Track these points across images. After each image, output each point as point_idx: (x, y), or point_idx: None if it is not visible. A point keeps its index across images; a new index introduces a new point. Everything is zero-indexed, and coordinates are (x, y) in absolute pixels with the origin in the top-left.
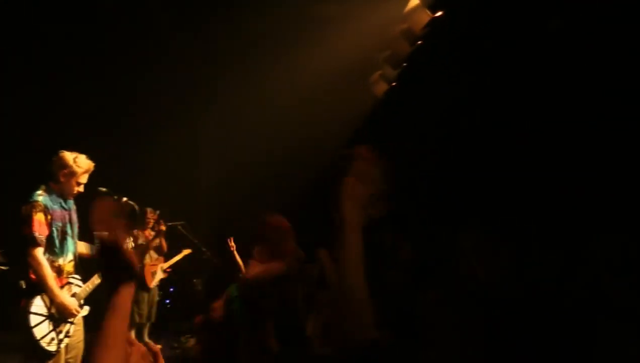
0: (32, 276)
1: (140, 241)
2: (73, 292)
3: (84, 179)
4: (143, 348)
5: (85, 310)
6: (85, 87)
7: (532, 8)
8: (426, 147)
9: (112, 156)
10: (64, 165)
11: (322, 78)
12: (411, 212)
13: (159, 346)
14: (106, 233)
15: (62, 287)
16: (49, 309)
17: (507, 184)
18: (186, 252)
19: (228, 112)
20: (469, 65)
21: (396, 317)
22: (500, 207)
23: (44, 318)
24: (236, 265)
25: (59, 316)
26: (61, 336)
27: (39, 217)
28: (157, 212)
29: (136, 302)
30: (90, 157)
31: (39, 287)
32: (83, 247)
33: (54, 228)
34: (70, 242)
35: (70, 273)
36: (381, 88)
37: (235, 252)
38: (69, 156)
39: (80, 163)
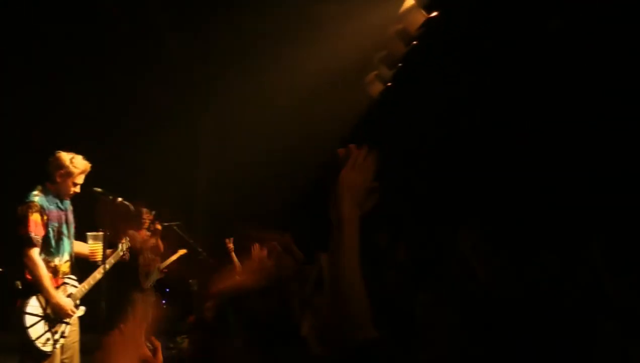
0: (28, 276)
1: (134, 241)
2: (69, 293)
3: (80, 179)
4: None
5: (81, 310)
6: (82, 87)
7: (527, 8)
8: (422, 147)
9: (107, 156)
10: (61, 165)
11: (319, 78)
12: (408, 212)
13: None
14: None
15: (58, 287)
16: (44, 310)
17: (505, 184)
18: (182, 252)
19: (224, 112)
20: (464, 65)
21: (394, 317)
22: (499, 206)
23: (39, 318)
24: (233, 266)
25: (54, 316)
26: (57, 336)
27: (35, 218)
28: (153, 212)
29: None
30: (87, 157)
31: (35, 288)
32: (79, 247)
33: (50, 229)
34: (66, 242)
35: (66, 274)
36: (377, 88)
37: (233, 254)
38: (65, 157)
39: (77, 163)
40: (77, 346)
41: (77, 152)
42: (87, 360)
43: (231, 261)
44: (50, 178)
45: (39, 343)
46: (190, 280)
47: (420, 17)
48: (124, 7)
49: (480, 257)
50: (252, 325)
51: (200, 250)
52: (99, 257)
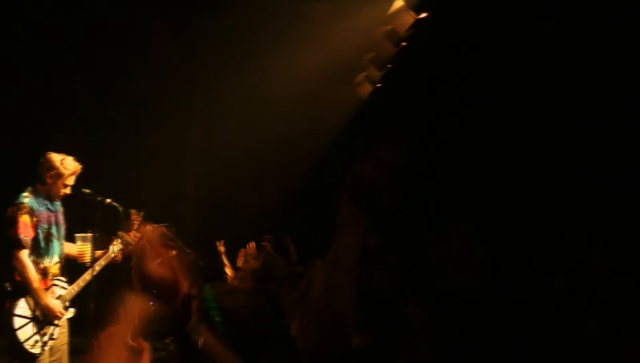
0: (17, 278)
1: (125, 243)
2: (58, 294)
3: (70, 180)
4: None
5: (71, 312)
6: (70, 87)
7: (518, 8)
8: (411, 148)
9: (95, 157)
10: (51, 167)
11: (308, 79)
12: (395, 213)
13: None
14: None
15: (47, 289)
16: (33, 311)
17: (496, 184)
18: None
19: (213, 113)
20: (453, 66)
21: (381, 319)
22: (490, 207)
23: (28, 320)
24: (222, 267)
25: (43, 318)
26: (45, 338)
27: (24, 219)
28: (142, 213)
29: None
30: (75, 158)
31: (24, 289)
32: (69, 249)
33: (39, 231)
34: (56, 244)
35: (56, 276)
36: (366, 89)
37: (224, 256)
38: (56, 158)
39: (67, 165)
40: (66, 348)
41: (67, 153)
42: (76, 362)
43: (221, 263)
44: (41, 179)
45: (27, 345)
46: None
47: (409, 18)
48: (112, 4)
49: (470, 256)
50: (239, 325)
51: (189, 251)
52: (88, 259)
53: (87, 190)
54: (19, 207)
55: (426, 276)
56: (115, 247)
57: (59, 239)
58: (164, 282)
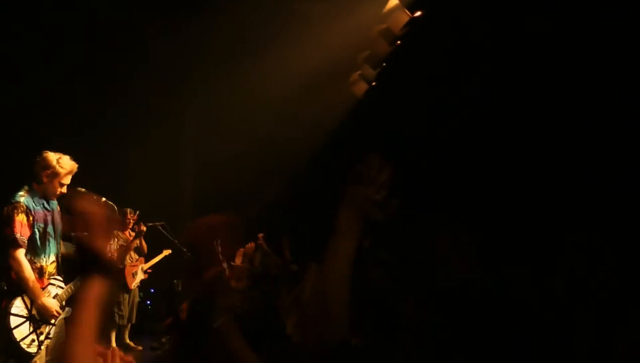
0: (14, 277)
1: (120, 242)
2: (55, 294)
3: (67, 179)
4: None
5: (67, 311)
6: (67, 88)
7: (512, 7)
8: (405, 147)
9: (91, 156)
10: (47, 165)
11: (303, 78)
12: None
13: (139, 347)
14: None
15: (43, 288)
16: (29, 310)
17: (490, 183)
18: (166, 252)
19: (209, 112)
20: (448, 65)
21: (377, 318)
22: (484, 207)
23: (24, 319)
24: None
25: (39, 317)
26: (42, 337)
27: (20, 218)
28: (137, 212)
29: (117, 303)
30: (71, 157)
31: (20, 288)
32: (66, 248)
33: (35, 230)
34: (52, 243)
35: (52, 275)
36: (361, 88)
37: (221, 256)
38: (52, 157)
39: (64, 164)
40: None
41: (63, 152)
42: None
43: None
44: (37, 178)
45: (23, 345)
46: (175, 281)
47: (404, 16)
48: (105, 5)
49: (462, 254)
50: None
51: (184, 250)
52: None
53: (82, 189)
54: (15, 206)
55: (424, 275)
56: (111, 247)
57: (55, 238)
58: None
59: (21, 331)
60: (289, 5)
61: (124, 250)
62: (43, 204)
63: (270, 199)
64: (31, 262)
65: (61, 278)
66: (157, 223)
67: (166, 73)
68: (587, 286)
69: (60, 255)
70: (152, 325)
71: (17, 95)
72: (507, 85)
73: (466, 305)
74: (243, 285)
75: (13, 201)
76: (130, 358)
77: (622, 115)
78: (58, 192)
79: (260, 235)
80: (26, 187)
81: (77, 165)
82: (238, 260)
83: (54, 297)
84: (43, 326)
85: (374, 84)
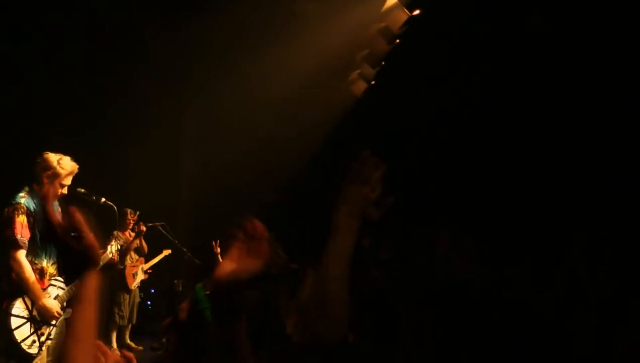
0: (14, 278)
1: (121, 242)
2: (55, 295)
3: (68, 180)
4: (117, 355)
5: (68, 312)
6: (67, 88)
7: (511, 6)
8: (405, 146)
9: (91, 156)
10: (48, 166)
11: (302, 77)
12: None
13: (140, 347)
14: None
15: (44, 289)
16: (30, 312)
17: (490, 183)
18: (166, 252)
19: (208, 112)
20: (447, 63)
21: (376, 318)
22: (484, 206)
23: (25, 320)
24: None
25: (40, 318)
26: (43, 338)
27: (21, 220)
28: (137, 213)
29: (117, 303)
30: (71, 158)
31: (21, 289)
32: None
33: (36, 231)
34: (53, 244)
35: (53, 276)
36: (360, 87)
37: (220, 257)
38: (53, 158)
39: (64, 165)
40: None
41: (63, 153)
42: None
43: (217, 263)
44: (37, 179)
45: (24, 345)
46: (175, 281)
47: (403, 15)
48: (104, 4)
49: (462, 254)
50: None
51: (185, 250)
52: None
53: (82, 190)
54: (15, 207)
55: (424, 275)
56: (112, 248)
57: None
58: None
59: (22, 332)
60: (288, 5)
61: (124, 250)
62: (44, 205)
63: (270, 199)
64: (32, 263)
65: (62, 279)
66: (157, 224)
67: (166, 73)
68: (587, 286)
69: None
70: (153, 325)
71: (17, 96)
72: (507, 85)
73: (466, 305)
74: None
75: (13, 202)
76: (130, 354)
77: (623, 115)
78: (59, 193)
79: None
80: (27, 188)
81: (77, 166)
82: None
83: (54, 298)
84: (44, 327)
85: (373, 82)
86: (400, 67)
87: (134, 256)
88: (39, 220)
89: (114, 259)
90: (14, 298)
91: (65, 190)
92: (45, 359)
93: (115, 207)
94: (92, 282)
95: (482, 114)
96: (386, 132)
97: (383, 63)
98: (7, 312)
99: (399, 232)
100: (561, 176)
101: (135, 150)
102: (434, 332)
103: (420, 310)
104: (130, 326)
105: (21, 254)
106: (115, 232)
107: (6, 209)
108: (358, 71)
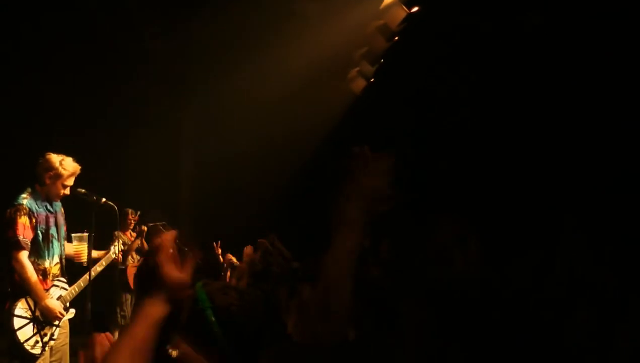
0: (17, 279)
1: (122, 243)
2: (58, 295)
3: (70, 181)
4: None
5: (71, 313)
6: (66, 87)
7: (510, 3)
8: (404, 143)
9: (91, 156)
10: (50, 167)
11: (301, 75)
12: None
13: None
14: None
15: (47, 289)
16: (33, 312)
17: (488, 180)
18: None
19: (208, 111)
20: (446, 60)
21: (376, 316)
22: (483, 204)
23: (28, 321)
24: (219, 267)
25: (43, 319)
26: (46, 339)
27: (23, 221)
28: (138, 213)
29: (119, 303)
30: (73, 158)
31: (24, 290)
32: (71, 249)
33: (38, 232)
34: (56, 244)
35: (57, 276)
36: (359, 84)
37: (221, 257)
38: (55, 158)
39: (67, 165)
40: (66, 348)
41: (65, 154)
42: (76, 362)
43: (217, 263)
44: (40, 180)
45: (27, 346)
46: None
47: (401, 12)
48: (102, 5)
49: (462, 254)
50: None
51: (185, 250)
52: (84, 259)
53: (82, 190)
54: (17, 209)
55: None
56: (116, 248)
57: (59, 240)
58: (179, 285)
59: (25, 332)
60: (288, 4)
61: (126, 250)
62: (46, 206)
63: (270, 197)
64: (35, 264)
65: (65, 280)
66: (157, 224)
67: (166, 73)
68: (587, 285)
69: (64, 256)
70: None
71: (17, 96)
72: (505, 81)
73: (466, 305)
74: (244, 284)
75: (16, 203)
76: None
77: (623, 115)
78: (61, 194)
79: (272, 235)
80: (29, 189)
81: (79, 167)
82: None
83: (57, 299)
84: (47, 327)
85: (372, 80)
86: (399, 65)
87: (135, 256)
88: (41, 221)
89: (118, 259)
90: (17, 299)
91: (67, 191)
92: (48, 359)
93: (115, 208)
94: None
95: (482, 111)
96: (385, 129)
97: (382, 60)
98: (9, 312)
99: (399, 232)
100: (561, 175)
101: (135, 150)
102: (434, 332)
103: (420, 310)
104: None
105: (23, 255)
106: (116, 233)
107: (8, 210)
108: (357, 69)
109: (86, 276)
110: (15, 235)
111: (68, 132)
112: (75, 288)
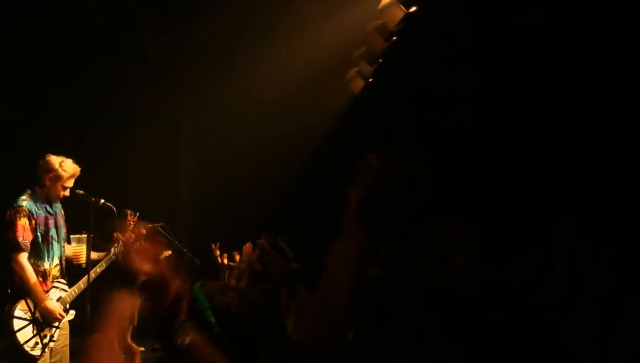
0: (17, 280)
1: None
2: (58, 297)
3: (69, 183)
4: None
5: (71, 314)
6: (66, 87)
7: (510, 2)
8: (403, 143)
9: (91, 156)
10: (50, 169)
11: (299, 76)
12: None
13: (141, 348)
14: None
15: (47, 291)
16: (32, 313)
17: (485, 181)
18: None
19: (208, 111)
20: (444, 60)
21: (376, 316)
22: (480, 205)
23: (27, 322)
24: (218, 268)
25: (43, 320)
26: (46, 340)
27: (23, 222)
28: (137, 214)
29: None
30: (73, 160)
31: (23, 291)
32: (69, 251)
33: (38, 233)
34: (55, 246)
35: (56, 278)
36: (358, 84)
37: (219, 258)
38: (55, 160)
39: (66, 167)
40: (66, 350)
41: (62, 153)
42: None
43: (216, 263)
44: (39, 181)
45: (27, 347)
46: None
47: (399, 12)
48: (101, 6)
49: (462, 254)
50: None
51: (185, 251)
52: (83, 260)
53: (81, 191)
54: (17, 210)
55: (422, 273)
56: (116, 250)
57: (58, 241)
58: (151, 281)
59: (25, 334)
60: (287, 4)
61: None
62: (46, 208)
63: (270, 198)
64: (35, 266)
65: (65, 281)
66: (156, 224)
67: (166, 73)
68: (587, 285)
69: (64, 258)
70: (154, 325)
71: (17, 96)
72: (505, 81)
73: (466, 305)
74: (243, 284)
75: (15, 205)
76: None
77: (623, 115)
78: (61, 195)
79: (268, 234)
80: (29, 191)
81: (79, 169)
82: (239, 258)
83: (57, 300)
84: (47, 329)
85: (370, 80)
86: (397, 64)
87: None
88: (41, 222)
89: (119, 260)
90: (17, 301)
91: (67, 193)
92: (48, 361)
93: (114, 209)
94: (126, 300)
95: (481, 111)
96: (384, 129)
97: (380, 60)
98: (9, 314)
99: (399, 232)
100: (561, 176)
101: (135, 150)
102: (434, 332)
103: (420, 310)
104: (131, 327)
105: (23, 257)
106: (115, 234)
107: (8, 212)
108: (355, 69)
109: (85, 278)
110: (15, 237)
111: (68, 132)
112: (75, 290)
